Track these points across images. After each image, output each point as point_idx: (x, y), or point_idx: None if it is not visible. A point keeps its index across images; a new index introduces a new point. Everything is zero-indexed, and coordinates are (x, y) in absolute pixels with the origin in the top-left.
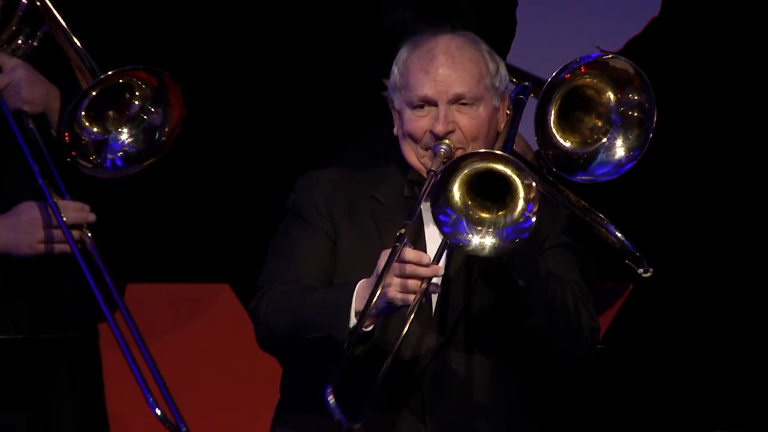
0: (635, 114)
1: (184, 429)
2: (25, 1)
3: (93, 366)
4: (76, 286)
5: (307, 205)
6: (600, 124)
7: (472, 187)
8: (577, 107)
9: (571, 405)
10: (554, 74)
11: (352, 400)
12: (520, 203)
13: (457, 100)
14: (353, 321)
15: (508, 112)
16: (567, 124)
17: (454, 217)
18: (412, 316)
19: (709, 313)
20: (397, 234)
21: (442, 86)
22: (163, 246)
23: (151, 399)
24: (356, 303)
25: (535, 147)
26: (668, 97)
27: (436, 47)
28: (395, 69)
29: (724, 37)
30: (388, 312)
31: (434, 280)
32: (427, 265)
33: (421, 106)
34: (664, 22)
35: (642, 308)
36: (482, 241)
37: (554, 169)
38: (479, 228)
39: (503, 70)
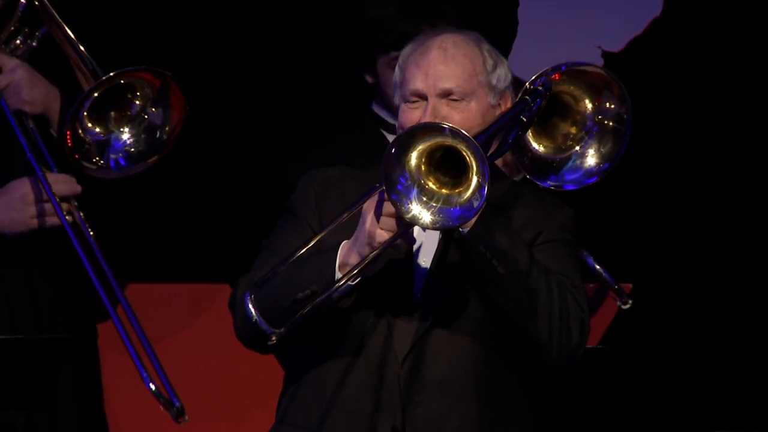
0: (611, 124)
1: (177, 404)
2: (24, 1)
3: (92, 366)
4: (76, 285)
5: (300, 202)
6: (575, 131)
7: (433, 159)
8: (554, 113)
9: (569, 405)
10: (529, 82)
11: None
12: (471, 188)
13: (446, 94)
14: (339, 276)
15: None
16: (543, 129)
17: (408, 183)
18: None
19: (709, 313)
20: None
21: (431, 80)
22: (163, 246)
23: (145, 374)
24: (340, 259)
25: None
26: (669, 97)
27: (433, 43)
28: (398, 67)
29: (725, 38)
30: (374, 255)
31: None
32: None
33: (414, 100)
34: (666, 23)
35: (642, 308)
36: (422, 212)
37: (527, 175)
38: (425, 199)
39: (503, 70)
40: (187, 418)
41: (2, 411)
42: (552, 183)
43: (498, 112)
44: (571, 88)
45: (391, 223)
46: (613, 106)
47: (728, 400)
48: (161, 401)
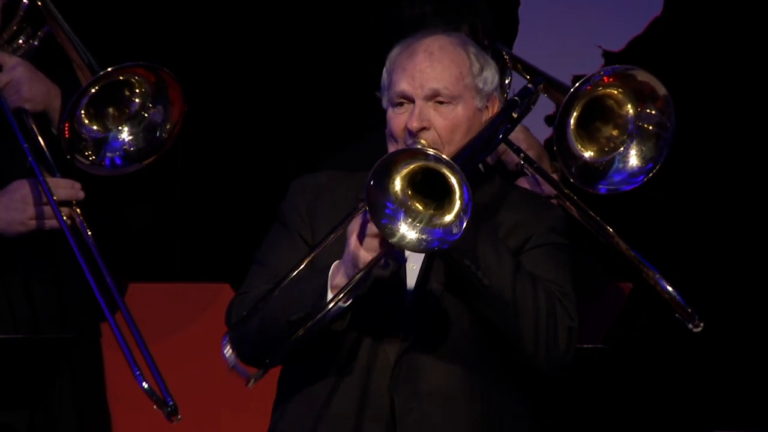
0: (651, 128)
1: (170, 403)
2: (26, 1)
3: (94, 365)
4: (77, 284)
5: (290, 211)
6: (616, 134)
7: (416, 181)
8: (596, 117)
9: (570, 405)
10: (576, 86)
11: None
12: (454, 211)
13: (432, 96)
14: (330, 298)
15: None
16: (586, 133)
17: (394, 207)
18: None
19: (709, 313)
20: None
21: (418, 81)
22: (163, 246)
23: (137, 373)
24: (331, 280)
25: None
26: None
27: (419, 47)
28: (384, 70)
29: (725, 37)
30: (361, 276)
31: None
32: None
33: (401, 104)
34: (666, 23)
35: (642, 308)
36: (408, 232)
37: (579, 185)
38: (410, 220)
39: (490, 72)
40: (180, 417)
41: (2, 411)
42: (606, 188)
43: (484, 116)
44: (616, 92)
45: (374, 243)
46: (654, 113)
47: (728, 400)
48: (154, 400)
